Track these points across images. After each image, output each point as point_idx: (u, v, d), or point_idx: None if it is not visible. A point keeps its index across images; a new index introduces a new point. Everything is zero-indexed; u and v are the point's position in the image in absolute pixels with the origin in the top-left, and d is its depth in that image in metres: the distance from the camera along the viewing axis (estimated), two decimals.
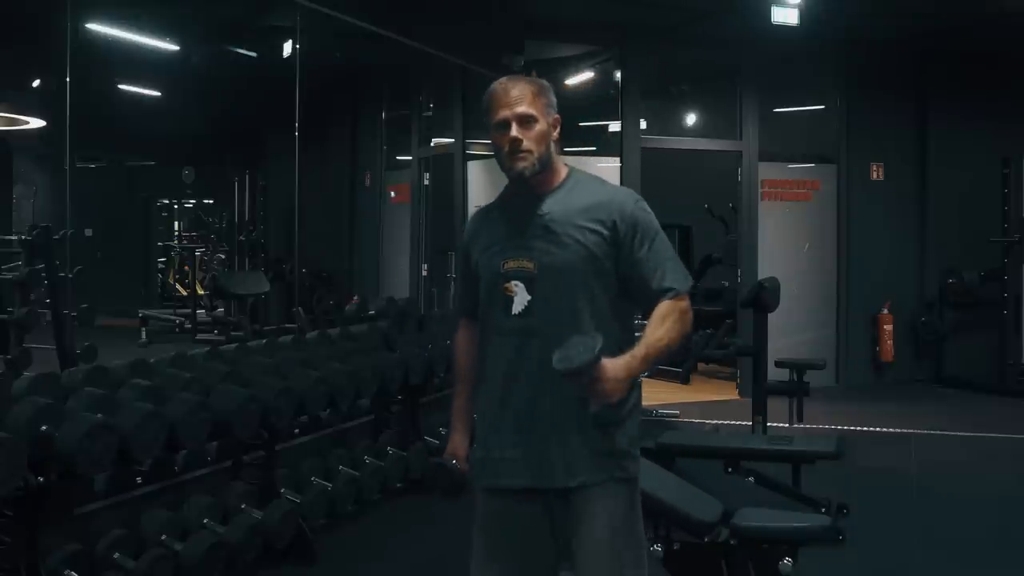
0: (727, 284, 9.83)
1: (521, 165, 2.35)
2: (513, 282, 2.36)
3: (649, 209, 2.41)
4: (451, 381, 6.26)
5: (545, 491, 2.36)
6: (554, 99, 2.42)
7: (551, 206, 2.38)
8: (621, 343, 2.33)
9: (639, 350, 2.24)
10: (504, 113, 2.34)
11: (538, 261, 2.35)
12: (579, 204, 2.37)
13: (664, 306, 2.31)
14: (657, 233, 2.38)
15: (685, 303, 2.34)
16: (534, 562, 2.40)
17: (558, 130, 2.41)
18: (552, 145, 2.39)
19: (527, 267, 2.36)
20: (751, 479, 3.96)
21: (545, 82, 2.43)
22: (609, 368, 2.14)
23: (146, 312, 12.54)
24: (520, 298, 2.36)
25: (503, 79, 2.41)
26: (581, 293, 2.34)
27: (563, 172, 2.44)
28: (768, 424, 5.70)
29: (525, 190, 2.40)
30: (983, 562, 4.49)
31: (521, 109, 2.33)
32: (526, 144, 2.33)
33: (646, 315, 2.35)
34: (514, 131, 2.33)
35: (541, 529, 2.38)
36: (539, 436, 2.34)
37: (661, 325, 2.29)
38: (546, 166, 2.38)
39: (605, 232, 2.34)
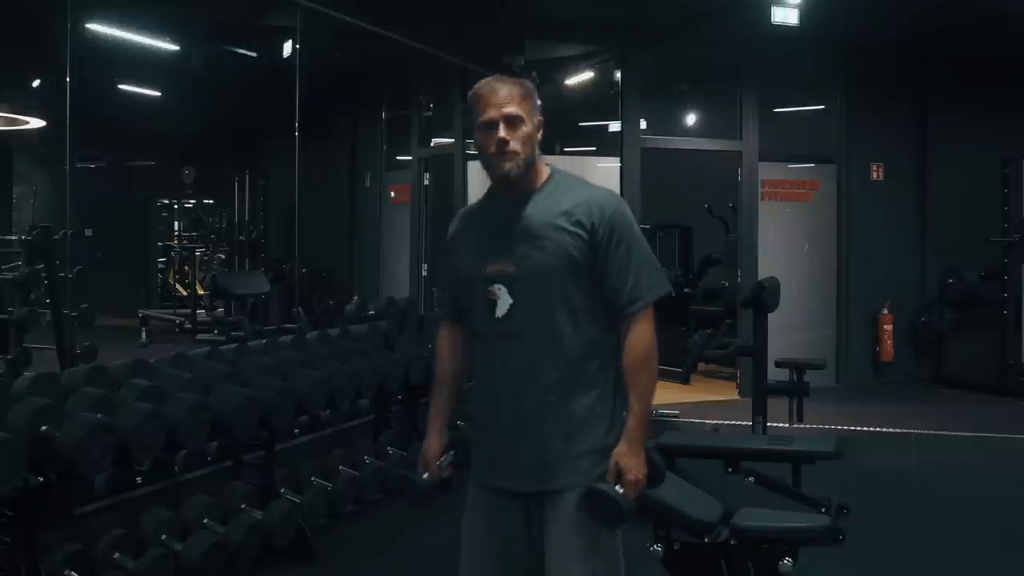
0: (727, 284, 9.82)
1: (507, 166, 2.34)
2: (496, 286, 2.36)
3: (630, 213, 2.39)
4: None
5: (525, 494, 2.36)
6: (539, 101, 2.41)
7: (532, 208, 2.37)
8: (598, 343, 2.34)
9: (631, 422, 2.30)
10: (491, 113, 2.33)
11: (518, 264, 2.34)
12: (560, 206, 2.35)
13: (630, 356, 2.32)
14: (634, 239, 2.35)
15: (644, 328, 2.33)
16: (514, 563, 2.40)
17: (541, 132, 2.40)
18: (536, 147, 2.39)
19: (507, 270, 2.35)
20: (751, 479, 3.95)
21: (530, 83, 2.42)
22: (624, 463, 2.25)
23: (146, 312, 12.54)
24: (503, 302, 2.35)
25: (489, 79, 2.39)
26: (557, 296, 2.33)
27: (545, 173, 2.42)
28: (768, 424, 5.69)
29: (508, 191, 2.41)
30: (983, 562, 4.49)
31: (509, 110, 2.32)
32: (513, 145, 2.32)
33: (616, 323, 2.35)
34: (502, 132, 2.32)
35: (521, 531, 2.39)
36: (520, 439, 2.35)
37: (635, 386, 2.31)
38: (530, 168, 2.38)
39: (583, 234, 2.32)
